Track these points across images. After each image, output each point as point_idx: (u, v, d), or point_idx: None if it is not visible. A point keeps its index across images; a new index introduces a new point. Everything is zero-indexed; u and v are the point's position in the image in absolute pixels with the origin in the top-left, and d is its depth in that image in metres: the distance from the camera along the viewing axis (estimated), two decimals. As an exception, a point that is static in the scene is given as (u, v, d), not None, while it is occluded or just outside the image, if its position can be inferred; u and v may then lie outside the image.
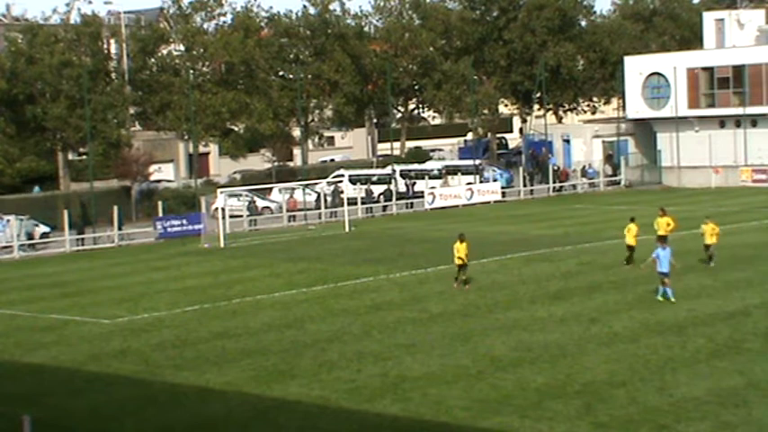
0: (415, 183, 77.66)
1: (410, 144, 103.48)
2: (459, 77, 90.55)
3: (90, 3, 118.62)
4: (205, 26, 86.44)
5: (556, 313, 35.27)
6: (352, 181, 76.18)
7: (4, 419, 25.64)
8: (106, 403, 27.43)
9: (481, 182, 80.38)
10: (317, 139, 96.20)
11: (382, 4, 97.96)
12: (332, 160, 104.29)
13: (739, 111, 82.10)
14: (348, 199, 69.70)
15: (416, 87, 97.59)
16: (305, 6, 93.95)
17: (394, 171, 78.51)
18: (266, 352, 31.85)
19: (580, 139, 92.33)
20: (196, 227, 64.06)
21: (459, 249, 40.76)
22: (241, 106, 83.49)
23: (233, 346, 33.00)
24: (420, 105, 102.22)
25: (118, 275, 50.16)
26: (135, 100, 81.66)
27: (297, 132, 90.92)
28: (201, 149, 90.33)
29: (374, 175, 79.74)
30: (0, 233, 61.00)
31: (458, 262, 40.95)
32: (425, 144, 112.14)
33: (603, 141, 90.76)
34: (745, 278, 40.13)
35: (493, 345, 31.21)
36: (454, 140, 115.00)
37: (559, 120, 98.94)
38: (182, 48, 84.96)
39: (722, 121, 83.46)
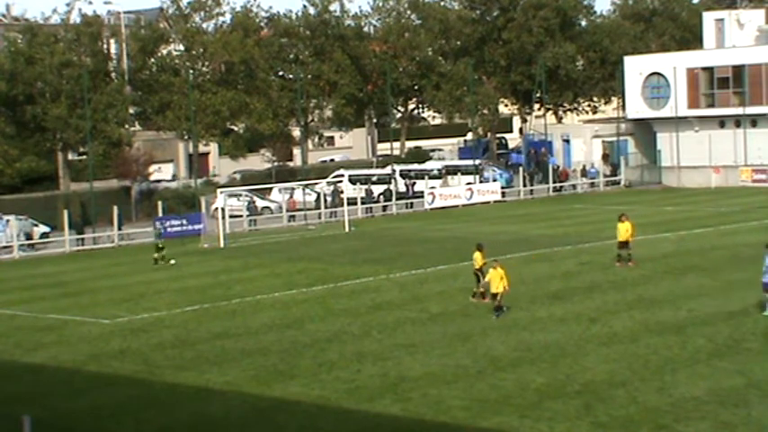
0: (414, 183, 77.62)
1: (410, 144, 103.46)
2: (459, 78, 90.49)
3: (90, 3, 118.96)
4: (204, 26, 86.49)
5: (556, 313, 35.25)
6: (352, 181, 76.16)
7: (4, 419, 25.64)
8: (106, 403, 27.42)
9: (481, 182, 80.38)
10: (316, 139, 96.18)
11: (381, 4, 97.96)
12: (332, 160, 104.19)
13: (739, 111, 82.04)
14: (348, 199, 69.67)
15: (416, 88, 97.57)
16: (305, 6, 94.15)
17: (394, 171, 78.47)
18: (266, 352, 31.84)
19: (580, 139, 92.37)
20: (196, 227, 64.09)
21: (478, 259, 38.03)
22: (241, 106, 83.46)
23: (233, 346, 32.99)
24: (420, 105, 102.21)
25: (118, 275, 50.17)
26: (135, 100, 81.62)
27: (297, 132, 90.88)
28: (201, 149, 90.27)
29: (374, 175, 79.72)
30: (0, 233, 61.03)
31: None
32: (425, 144, 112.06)
33: (603, 141, 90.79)
34: (745, 278, 40.02)
35: (493, 345, 31.21)
36: (454, 140, 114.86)
37: (559, 120, 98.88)
38: (181, 48, 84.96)
39: (722, 121, 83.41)
